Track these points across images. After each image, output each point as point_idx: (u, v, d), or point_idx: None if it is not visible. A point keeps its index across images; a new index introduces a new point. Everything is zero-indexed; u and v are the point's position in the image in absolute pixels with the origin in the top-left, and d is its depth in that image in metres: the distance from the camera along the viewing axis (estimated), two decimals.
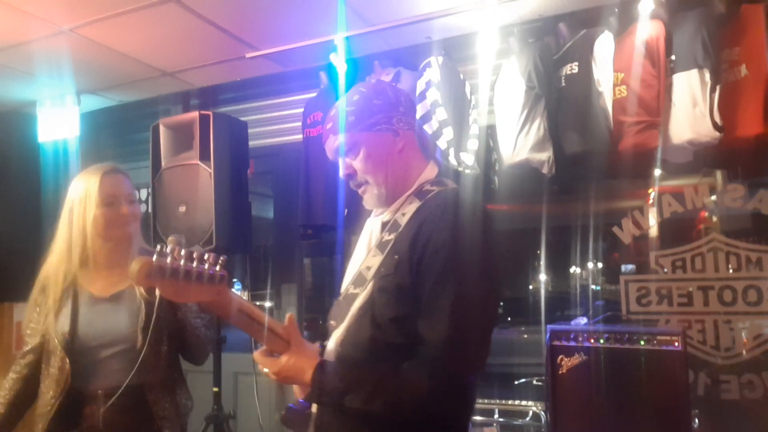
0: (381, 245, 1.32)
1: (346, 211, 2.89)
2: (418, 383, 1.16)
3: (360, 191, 1.40)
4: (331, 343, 1.34)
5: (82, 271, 1.82)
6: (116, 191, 1.81)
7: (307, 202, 3.03)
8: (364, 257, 1.36)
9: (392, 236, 1.30)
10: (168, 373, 1.82)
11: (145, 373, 1.74)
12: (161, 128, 2.97)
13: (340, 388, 1.21)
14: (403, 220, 1.30)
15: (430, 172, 1.40)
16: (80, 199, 1.81)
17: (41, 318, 1.80)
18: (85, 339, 1.75)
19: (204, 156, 2.80)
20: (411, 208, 1.31)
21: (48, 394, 1.72)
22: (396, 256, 1.25)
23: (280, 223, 3.75)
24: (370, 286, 1.29)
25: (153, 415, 1.75)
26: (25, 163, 3.88)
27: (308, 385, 1.24)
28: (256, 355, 1.29)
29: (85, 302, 1.79)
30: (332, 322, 1.37)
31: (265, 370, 1.28)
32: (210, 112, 2.87)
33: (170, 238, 1.76)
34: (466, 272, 1.19)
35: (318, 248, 3.59)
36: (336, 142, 1.37)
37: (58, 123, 3.72)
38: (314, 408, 1.35)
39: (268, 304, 3.90)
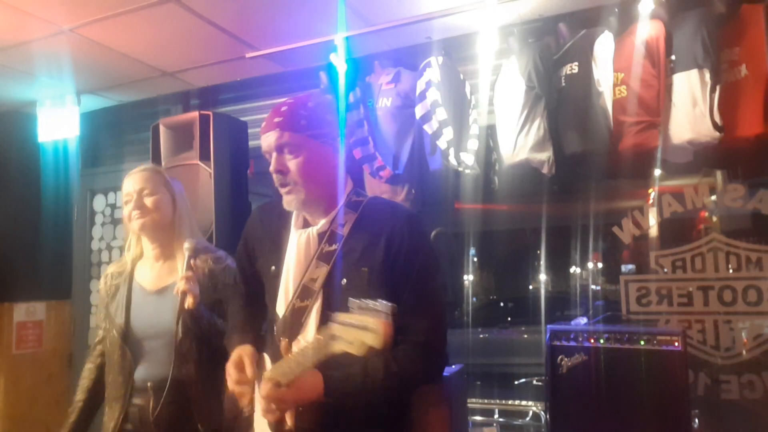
0: (323, 256, 1.40)
1: None
2: (416, 365, 1.34)
3: (284, 191, 1.44)
4: None
5: (139, 266, 1.98)
6: (131, 188, 1.93)
7: None
8: (305, 270, 1.41)
9: (334, 247, 1.39)
10: (211, 369, 1.83)
11: (185, 366, 1.81)
12: (161, 128, 2.97)
13: (353, 391, 1.30)
14: (344, 231, 1.41)
15: (350, 184, 1.52)
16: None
17: (104, 311, 1.96)
18: (136, 330, 1.87)
19: (204, 156, 2.80)
20: (348, 219, 1.43)
21: (118, 380, 1.85)
22: (364, 269, 1.36)
23: None
24: (321, 297, 1.37)
25: (192, 410, 1.80)
26: (25, 163, 3.88)
27: (319, 398, 1.28)
28: (271, 390, 1.26)
29: (137, 295, 1.92)
30: (284, 340, 1.37)
31: (272, 406, 1.28)
32: (210, 112, 2.88)
33: (186, 245, 1.83)
34: (434, 269, 1.43)
35: None
36: (280, 138, 1.41)
37: (58, 123, 3.72)
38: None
39: None
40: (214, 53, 3.17)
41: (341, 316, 1.15)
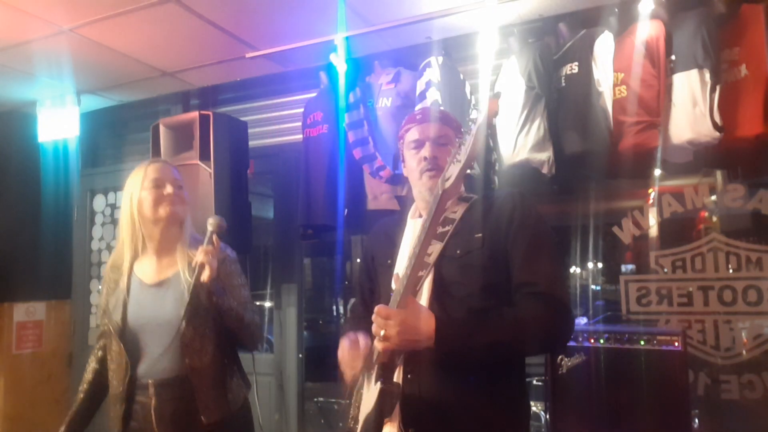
0: (437, 236, 1.48)
1: (346, 211, 2.89)
2: (538, 313, 1.34)
3: (431, 174, 1.55)
4: None
5: (139, 259, 1.93)
6: (160, 175, 1.89)
7: (307, 202, 3.03)
8: (420, 248, 1.47)
9: (448, 228, 1.48)
10: (216, 358, 1.86)
11: (188, 357, 1.80)
12: (161, 128, 2.97)
13: (465, 331, 1.32)
14: (456, 216, 1.51)
15: (462, 186, 1.62)
16: (130, 188, 1.90)
17: (103, 305, 1.94)
18: (134, 325, 1.84)
19: (204, 156, 2.80)
20: (460, 208, 1.54)
21: (117, 378, 1.84)
22: (478, 235, 1.44)
23: (280, 223, 3.75)
24: (434, 270, 1.44)
25: (196, 402, 1.79)
26: (25, 163, 3.88)
27: (431, 336, 1.28)
28: (379, 307, 1.31)
29: (136, 289, 1.89)
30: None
31: (381, 332, 1.30)
32: (210, 112, 2.88)
33: (210, 220, 1.82)
34: (547, 232, 1.48)
35: (318, 248, 3.59)
36: (441, 130, 1.58)
37: (58, 123, 3.72)
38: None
39: (268, 304, 3.89)
40: (214, 53, 3.17)
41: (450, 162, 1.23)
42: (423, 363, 1.38)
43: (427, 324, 1.29)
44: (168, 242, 1.91)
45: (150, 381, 1.80)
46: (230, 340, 1.94)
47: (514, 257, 1.42)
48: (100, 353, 1.97)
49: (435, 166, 1.54)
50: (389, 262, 1.61)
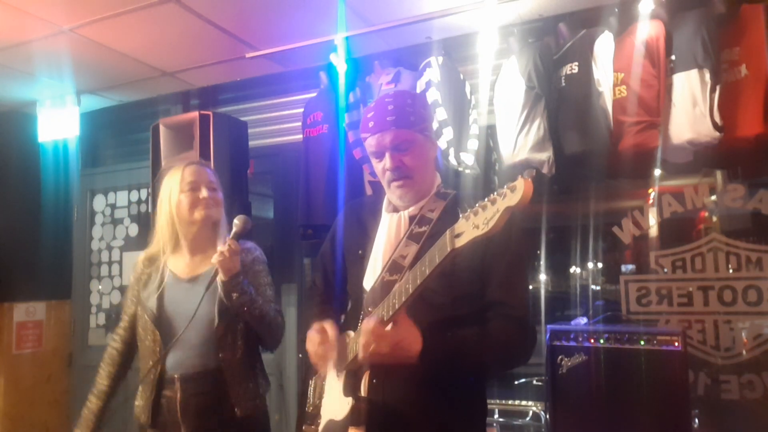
0: (413, 236, 1.44)
1: None
2: (512, 336, 1.37)
3: (398, 184, 1.49)
4: None
5: (173, 255, 2.00)
6: (197, 178, 1.96)
7: (307, 202, 3.03)
8: (395, 248, 1.45)
9: (424, 228, 1.43)
10: (246, 353, 1.92)
11: (221, 352, 1.86)
12: (161, 128, 2.97)
13: (446, 356, 1.31)
14: (434, 216, 1.45)
15: (438, 178, 1.60)
16: (168, 188, 1.98)
17: (136, 294, 2.01)
18: (168, 317, 1.91)
19: (204, 156, 2.80)
20: (437, 206, 1.47)
21: (148, 363, 1.91)
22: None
23: (280, 223, 3.75)
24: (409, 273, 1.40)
25: (228, 396, 1.85)
26: (25, 163, 3.88)
27: (417, 356, 1.27)
28: (375, 325, 1.25)
29: (171, 283, 1.96)
30: (369, 309, 1.42)
31: (370, 347, 1.26)
32: (210, 112, 2.88)
33: (235, 221, 1.89)
34: (524, 252, 1.47)
35: (318, 248, 3.59)
36: (397, 137, 1.46)
37: (58, 123, 3.72)
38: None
39: None
40: (214, 53, 3.17)
41: (464, 217, 1.14)
42: (388, 369, 1.38)
43: (416, 345, 1.28)
44: (202, 240, 1.98)
45: (176, 375, 1.86)
46: (256, 337, 1.99)
47: (493, 273, 1.40)
48: (123, 333, 2.02)
49: (400, 175, 1.47)
50: (360, 252, 1.56)
